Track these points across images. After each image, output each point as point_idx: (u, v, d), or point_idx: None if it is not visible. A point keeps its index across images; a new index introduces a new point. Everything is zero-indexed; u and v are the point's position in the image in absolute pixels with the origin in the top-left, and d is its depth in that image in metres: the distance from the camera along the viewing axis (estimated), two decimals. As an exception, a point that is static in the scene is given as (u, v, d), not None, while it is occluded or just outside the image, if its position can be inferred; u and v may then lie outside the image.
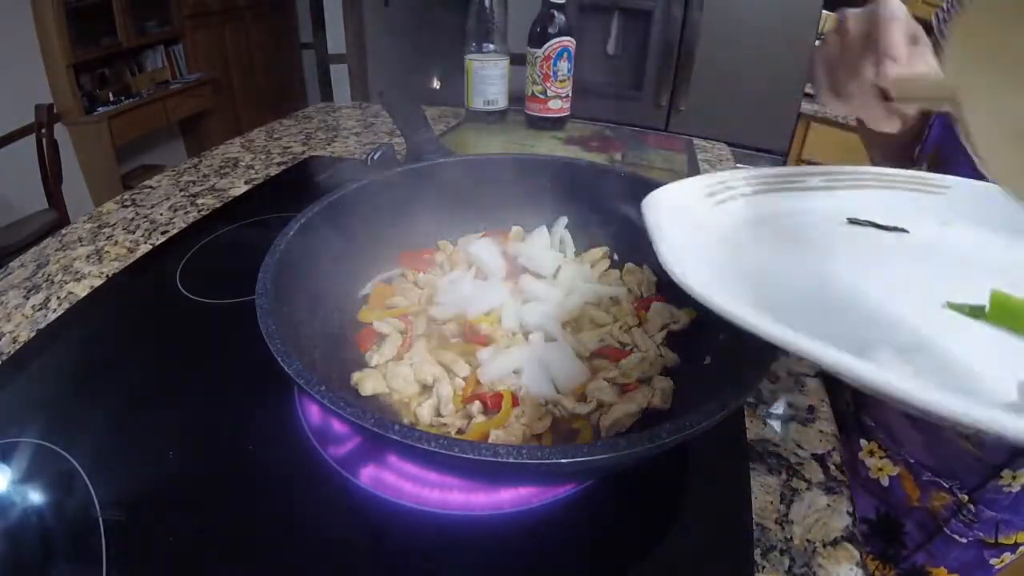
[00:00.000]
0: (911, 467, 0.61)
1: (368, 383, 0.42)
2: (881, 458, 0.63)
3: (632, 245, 0.56)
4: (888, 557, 0.64)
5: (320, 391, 0.29)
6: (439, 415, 0.41)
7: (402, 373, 0.43)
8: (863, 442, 0.63)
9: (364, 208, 0.51)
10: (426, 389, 0.43)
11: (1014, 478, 0.54)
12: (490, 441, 0.37)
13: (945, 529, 0.59)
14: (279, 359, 0.31)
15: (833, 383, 0.67)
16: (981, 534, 0.58)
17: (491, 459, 0.27)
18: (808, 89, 1.98)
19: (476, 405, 0.41)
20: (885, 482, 0.62)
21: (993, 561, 0.60)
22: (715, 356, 0.41)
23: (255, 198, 0.82)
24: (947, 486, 0.58)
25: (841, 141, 1.93)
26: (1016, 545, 0.58)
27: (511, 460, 0.27)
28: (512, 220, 0.59)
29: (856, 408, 0.64)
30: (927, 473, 0.60)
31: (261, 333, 0.33)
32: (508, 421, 0.40)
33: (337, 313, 0.47)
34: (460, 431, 0.40)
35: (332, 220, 0.47)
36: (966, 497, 0.57)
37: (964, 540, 0.59)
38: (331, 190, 0.49)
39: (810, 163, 2.03)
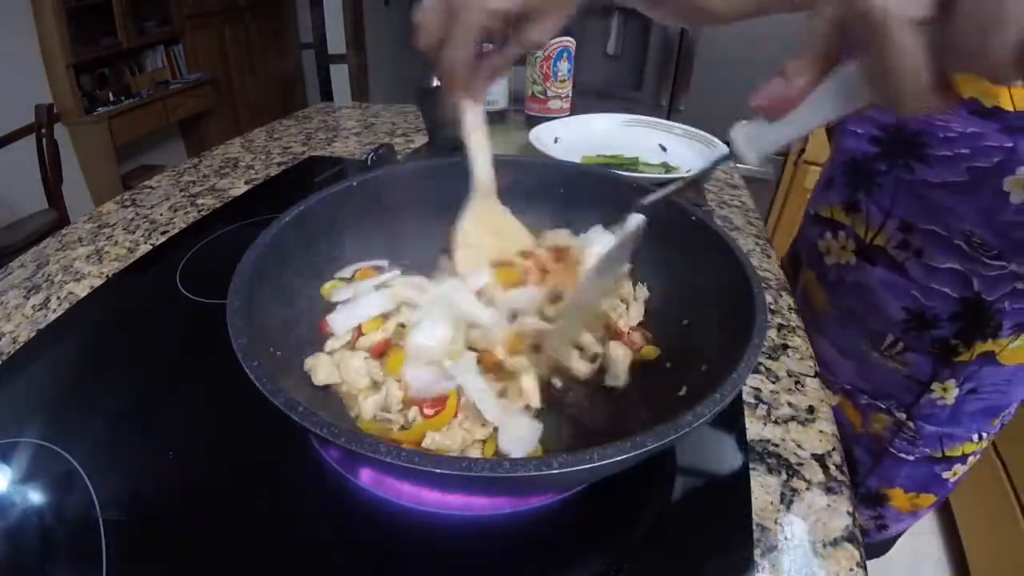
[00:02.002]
0: (849, 393, 0.63)
1: (321, 371, 0.41)
2: (813, 357, 0.64)
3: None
4: None
5: (253, 366, 0.31)
6: (384, 411, 0.41)
7: (354, 365, 0.42)
8: None
9: (362, 203, 0.51)
10: (376, 385, 0.43)
11: (945, 390, 0.55)
12: (425, 444, 0.38)
13: (890, 449, 0.61)
14: (230, 330, 0.33)
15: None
16: (927, 450, 0.59)
17: (418, 467, 0.26)
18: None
19: (414, 409, 0.40)
20: (818, 375, 0.65)
21: (945, 475, 0.61)
22: (690, 388, 0.40)
23: (255, 198, 0.83)
24: (884, 407, 0.60)
25: (841, 141, 1.93)
26: (964, 456, 0.59)
27: (449, 472, 0.26)
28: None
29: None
30: (864, 397, 0.61)
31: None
32: (448, 424, 0.39)
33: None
34: (403, 428, 0.40)
35: (323, 215, 0.48)
36: (904, 415, 0.59)
37: (911, 458, 0.60)
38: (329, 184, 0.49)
39: (810, 163, 2.03)
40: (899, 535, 0.70)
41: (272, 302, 0.42)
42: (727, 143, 0.30)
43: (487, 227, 0.47)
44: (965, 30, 0.19)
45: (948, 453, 0.59)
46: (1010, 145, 0.42)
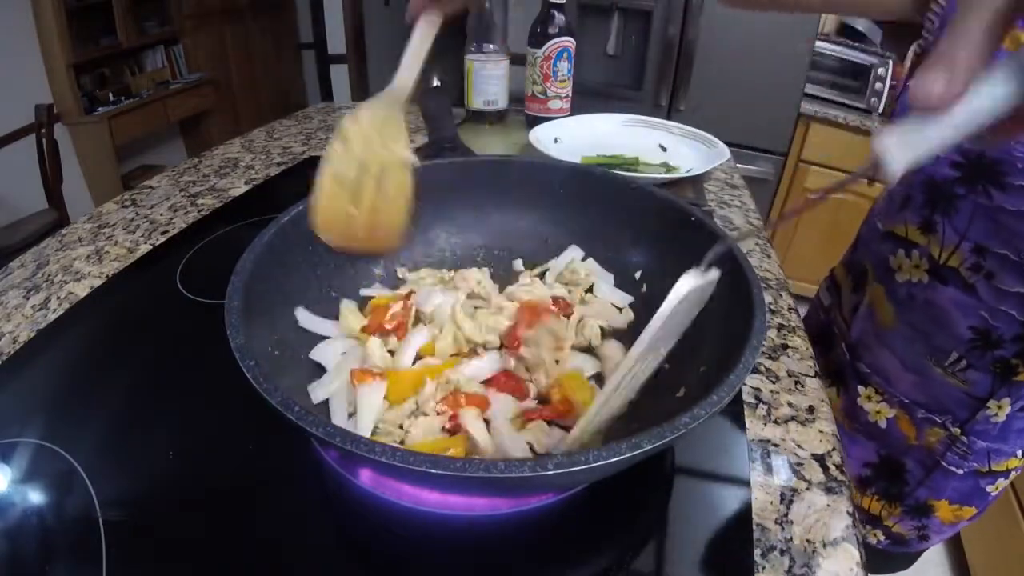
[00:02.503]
0: (906, 407, 0.64)
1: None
2: (878, 402, 0.66)
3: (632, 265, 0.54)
4: (892, 496, 0.67)
5: (250, 365, 0.31)
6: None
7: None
8: (860, 388, 0.66)
9: None
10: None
11: (999, 407, 0.57)
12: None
13: (942, 463, 0.62)
14: (228, 329, 0.34)
15: (826, 336, 0.71)
16: (975, 464, 0.61)
17: (428, 470, 0.26)
18: (808, 89, 1.99)
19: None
20: (883, 424, 0.65)
21: (989, 488, 0.63)
22: (688, 389, 0.40)
23: (255, 198, 0.83)
24: (940, 421, 0.61)
25: (841, 141, 1.93)
26: (1008, 471, 0.62)
27: (449, 472, 0.26)
28: (512, 228, 0.58)
29: (852, 357, 0.67)
30: (921, 411, 0.63)
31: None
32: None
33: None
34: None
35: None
36: (958, 430, 0.60)
37: (960, 471, 0.62)
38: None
39: (810, 164, 2.03)
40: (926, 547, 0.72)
41: (271, 302, 0.42)
42: (873, 162, 0.24)
43: (372, 129, 0.43)
44: None
45: (994, 467, 0.61)
46: None
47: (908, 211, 0.59)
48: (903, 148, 0.23)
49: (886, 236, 0.63)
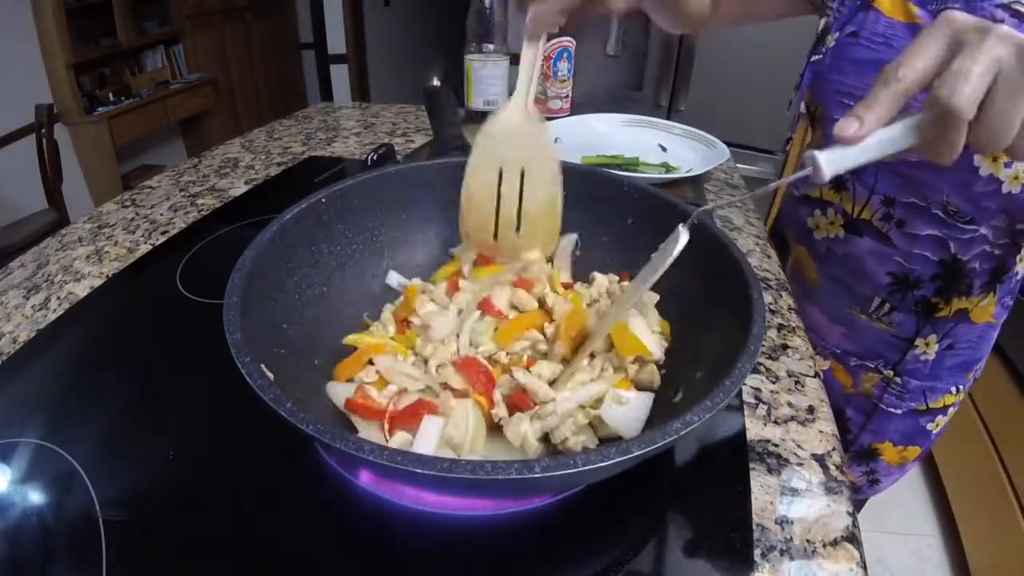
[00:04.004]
0: (839, 357, 0.69)
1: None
2: (813, 356, 0.68)
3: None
4: None
5: (245, 362, 0.31)
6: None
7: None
8: None
9: (363, 203, 0.51)
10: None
11: (927, 345, 0.62)
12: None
13: (880, 405, 0.67)
14: (225, 326, 0.34)
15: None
16: (913, 403, 0.66)
17: (416, 469, 0.26)
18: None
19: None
20: (820, 376, 0.68)
21: (929, 426, 0.67)
22: (685, 394, 0.40)
23: (255, 198, 0.83)
24: (873, 366, 0.66)
25: (841, 141, 1.93)
26: (945, 408, 0.66)
27: (452, 475, 0.26)
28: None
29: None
30: (853, 359, 0.68)
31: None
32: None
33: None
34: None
35: (324, 213, 0.48)
36: (891, 372, 0.65)
37: (899, 412, 0.66)
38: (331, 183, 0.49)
39: (824, 203, 2.03)
40: (879, 491, 0.77)
41: (272, 300, 0.42)
42: (804, 163, 0.33)
43: (512, 138, 0.45)
44: (990, 126, 0.30)
45: (931, 405, 0.65)
46: None
47: None
48: (830, 163, 0.32)
49: (802, 200, 0.68)
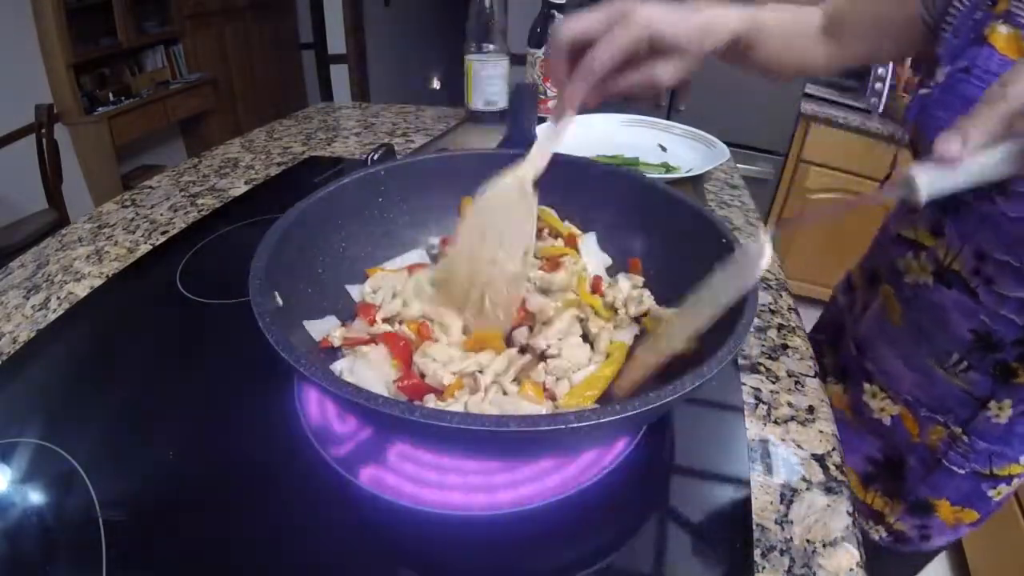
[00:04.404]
0: (910, 405, 0.65)
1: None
2: (883, 399, 0.67)
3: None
4: (894, 493, 0.68)
5: (266, 322, 0.33)
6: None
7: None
8: (866, 385, 0.67)
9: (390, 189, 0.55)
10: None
11: (1000, 409, 0.59)
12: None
13: (943, 461, 0.64)
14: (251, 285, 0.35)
15: (838, 335, 0.73)
16: (976, 465, 0.62)
17: (444, 424, 0.28)
18: (808, 89, 1.99)
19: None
20: (888, 422, 0.66)
21: (990, 492, 0.64)
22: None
23: (255, 198, 0.83)
24: (942, 420, 0.63)
25: (841, 141, 1.93)
26: (1010, 477, 0.63)
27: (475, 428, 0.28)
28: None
29: (859, 353, 0.68)
30: (924, 409, 0.64)
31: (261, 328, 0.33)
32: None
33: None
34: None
35: (353, 197, 0.51)
36: (959, 430, 0.62)
37: (961, 471, 0.63)
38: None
39: (810, 164, 2.03)
40: (938, 551, 0.73)
41: (297, 269, 0.45)
42: (907, 180, 0.32)
43: (502, 211, 0.46)
44: None
45: (996, 471, 0.62)
46: None
47: (919, 215, 0.61)
48: (928, 182, 0.31)
49: (897, 239, 0.65)
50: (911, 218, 0.62)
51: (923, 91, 0.55)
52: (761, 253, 0.35)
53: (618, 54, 0.41)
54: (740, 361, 0.54)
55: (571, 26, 0.42)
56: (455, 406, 0.39)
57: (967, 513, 0.66)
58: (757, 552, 0.36)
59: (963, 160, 0.30)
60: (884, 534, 0.70)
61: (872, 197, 0.35)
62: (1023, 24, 0.48)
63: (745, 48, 0.54)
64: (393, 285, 0.49)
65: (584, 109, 0.44)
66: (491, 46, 1.02)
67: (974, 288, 0.56)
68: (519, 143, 0.66)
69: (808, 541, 0.37)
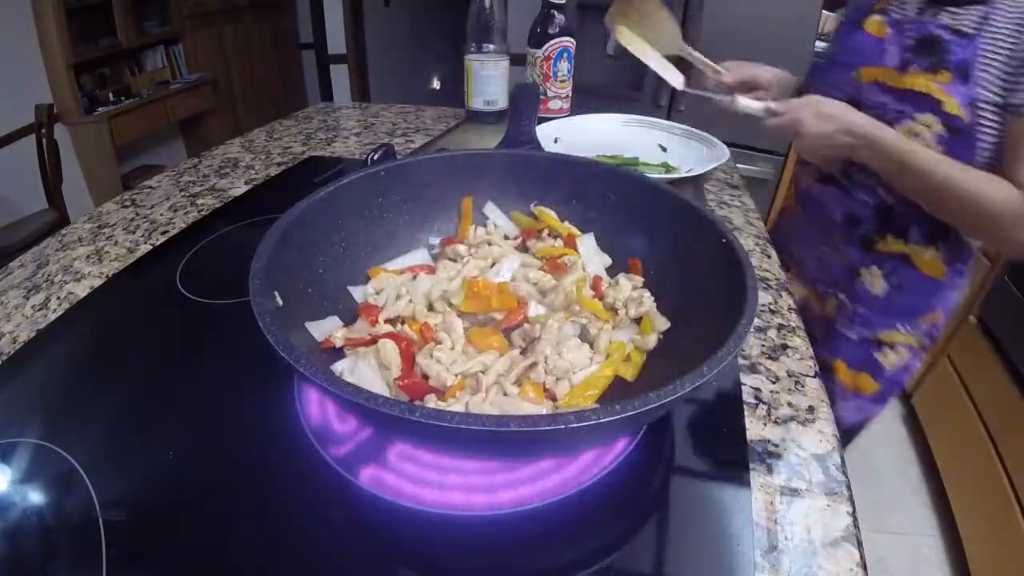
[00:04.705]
0: (813, 284, 0.87)
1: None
2: (796, 284, 0.88)
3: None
4: None
5: (263, 316, 0.33)
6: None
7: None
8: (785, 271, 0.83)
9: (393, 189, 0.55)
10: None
11: (871, 275, 0.77)
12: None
13: (836, 326, 0.82)
14: (250, 282, 0.36)
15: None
16: (864, 331, 0.80)
17: (440, 423, 0.28)
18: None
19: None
20: (798, 299, 0.81)
21: (878, 357, 0.80)
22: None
23: (255, 198, 0.83)
24: (832, 292, 0.83)
25: (841, 141, 1.93)
26: (893, 344, 0.80)
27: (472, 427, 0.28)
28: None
29: (777, 246, 0.80)
30: (821, 285, 0.85)
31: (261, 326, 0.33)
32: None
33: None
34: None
35: (352, 198, 0.52)
36: (845, 297, 0.81)
37: (852, 336, 0.81)
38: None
39: (809, 163, 2.03)
40: (847, 432, 0.87)
41: (297, 269, 0.45)
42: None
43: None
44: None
45: (881, 337, 0.79)
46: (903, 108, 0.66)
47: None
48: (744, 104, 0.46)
49: (800, 162, 0.88)
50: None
51: (817, 60, 0.82)
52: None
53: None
54: (740, 361, 0.54)
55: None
56: (456, 406, 0.39)
57: (863, 378, 0.81)
58: (757, 552, 0.36)
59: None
60: None
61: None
62: (890, 14, 0.68)
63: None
64: (396, 286, 0.49)
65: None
66: (491, 46, 1.01)
67: (843, 185, 0.76)
68: (519, 143, 0.67)
69: (808, 541, 0.37)
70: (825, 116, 0.65)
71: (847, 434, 0.88)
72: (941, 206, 0.66)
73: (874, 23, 0.69)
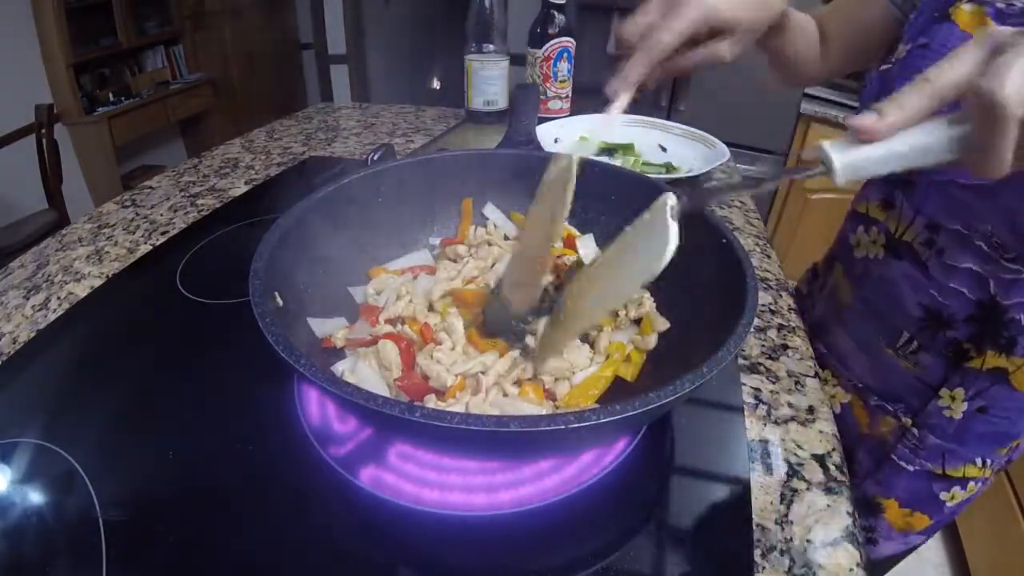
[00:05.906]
0: (860, 392, 0.63)
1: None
2: (834, 386, 0.66)
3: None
4: None
5: (261, 312, 0.33)
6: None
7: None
8: (818, 370, 0.64)
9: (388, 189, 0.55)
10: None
11: (952, 399, 0.55)
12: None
13: (892, 456, 0.60)
14: (251, 284, 0.36)
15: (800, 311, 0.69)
16: (928, 464, 0.59)
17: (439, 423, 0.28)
18: (808, 89, 1.99)
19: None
20: (837, 409, 0.64)
21: (943, 495, 0.60)
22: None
23: (255, 198, 0.82)
24: (892, 410, 0.60)
25: (841, 141, 1.93)
26: (965, 480, 0.59)
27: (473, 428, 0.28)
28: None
29: (811, 338, 0.64)
30: (874, 398, 0.62)
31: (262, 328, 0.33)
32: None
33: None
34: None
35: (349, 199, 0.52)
36: (910, 420, 0.59)
37: (911, 468, 0.60)
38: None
39: (867, 211, 2.03)
40: (885, 563, 0.69)
41: (297, 270, 0.45)
42: (821, 158, 0.31)
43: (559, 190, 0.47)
44: None
45: (949, 472, 0.58)
46: None
47: (871, 188, 0.61)
48: (847, 166, 0.29)
49: (851, 215, 0.64)
50: (864, 193, 0.62)
51: (883, 67, 0.54)
52: (666, 238, 0.34)
53: (680, 36, 0.42)
54: (740, 361, 0.54)
55: (635, 22, 0.44)
56: (456, 407, 0.39)
57: (917, 518, 0.62)
58: (757, 552, 0.36)
59: (880, 136, 0.29)
60: None
61: (801, 174, 0.35)
62: (987, 1, 0.47)
63: (782, 30, 0.55)
64: (396, 286, 0.49)
65: (640, 88, 0.46)
66: (491, 46, 1.01)
67: (924, 260, 0.54)
68: (519, 143, 0.68)
69: (808, 541, 0.37)
70: None
71: (886, 562, 0.69)
72: None
73: (966, 14, 0.49)
